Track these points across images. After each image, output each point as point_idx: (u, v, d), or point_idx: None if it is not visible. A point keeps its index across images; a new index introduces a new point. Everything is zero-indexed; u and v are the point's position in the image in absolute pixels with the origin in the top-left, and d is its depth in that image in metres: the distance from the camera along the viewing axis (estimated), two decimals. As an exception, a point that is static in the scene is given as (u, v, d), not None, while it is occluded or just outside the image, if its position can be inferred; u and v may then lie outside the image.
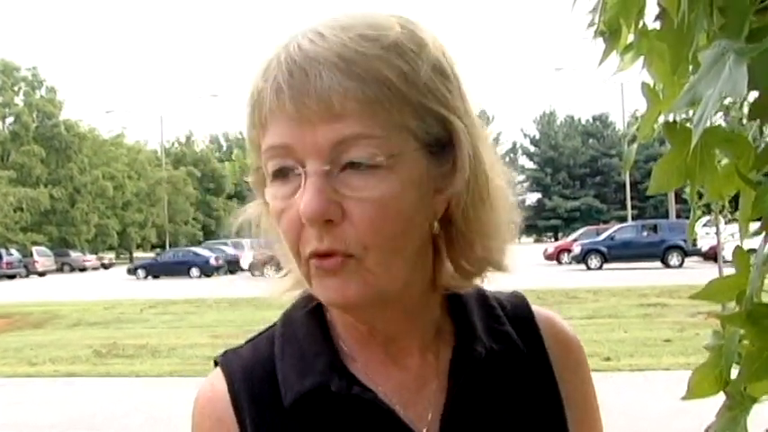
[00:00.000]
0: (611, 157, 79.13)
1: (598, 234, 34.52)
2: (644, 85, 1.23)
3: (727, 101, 1.03)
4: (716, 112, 1.15)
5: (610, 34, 1.32)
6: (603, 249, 31.38)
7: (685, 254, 29.62)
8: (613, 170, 77.41)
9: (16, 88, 61.87)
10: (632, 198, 49.54)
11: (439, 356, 0.91)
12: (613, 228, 35.08)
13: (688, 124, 1.02)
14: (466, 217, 0.86)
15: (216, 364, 0.95)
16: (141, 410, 8.67)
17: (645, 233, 31.84)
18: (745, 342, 0.93)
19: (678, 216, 36.57)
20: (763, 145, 0.97)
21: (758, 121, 1.04)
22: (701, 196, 1.11)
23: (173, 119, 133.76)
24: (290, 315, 0.94)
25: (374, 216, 0.79)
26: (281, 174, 0.81)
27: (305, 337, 0.90)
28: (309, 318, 0.92)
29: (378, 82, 0.78)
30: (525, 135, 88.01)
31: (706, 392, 1.05)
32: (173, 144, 76.88)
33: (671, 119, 1.02)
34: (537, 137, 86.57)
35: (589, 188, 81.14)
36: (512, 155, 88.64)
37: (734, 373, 0.99)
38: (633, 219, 45.89)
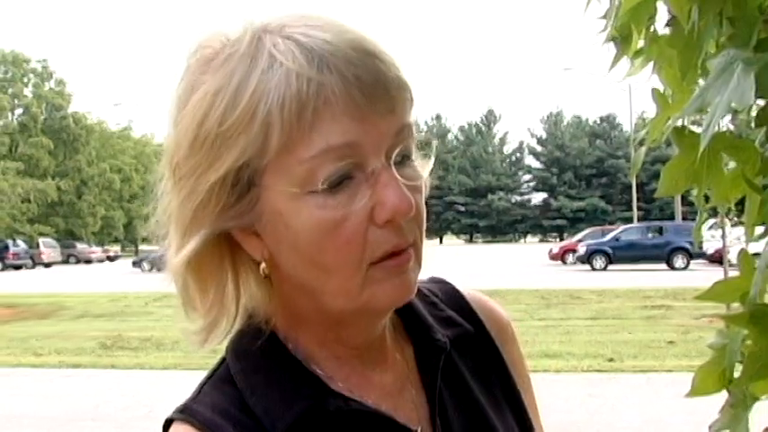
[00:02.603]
0: (617, 158, 79.00)
1: (603, 235, 34.42)
2: (654, 90, 1.25)
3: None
4: (723, 116, 1.17)
5: (621, 39, 1.34)
6: (608, 250, 31.31)
7: (690, 256, 29.52)
8: (620, 171, 77.28)
9: (26, 80, 62.11)
10: (638, 199, 49.46)
11: (404, 353, 0.90)
12: (619, 229, 34.98)
13: (694, 127, 1.04)
14: None
15: (168, 424, 0.84)
16: (144, 403, 8.70)
17: (650, 235, 31.77)
18: (748, 342, 0.95)
19: (684, 218, 36.45)
20: (769, 151, 0.99)
21: (765, 127, 1.06)
22: (707, 199, 1.13)
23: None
24: (244, 350, 0.85)
25: (422, 205, 0.80)
26: (335, 182, 0.74)
27: (274, 367, 0.83)
28: (270, 349, 0.84)
29: (405, 78, 0.78)
30: (532, 135, 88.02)
31: (709, 390, 1.08)
32: (180, 138, 76.75)
33: (679, 123, 1.04)
34: (544, 137, 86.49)
35: (595, 189, 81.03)
36: (518, 154, 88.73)
37: (737, 372, 1.02)
38: (639, 220, 45.76)
